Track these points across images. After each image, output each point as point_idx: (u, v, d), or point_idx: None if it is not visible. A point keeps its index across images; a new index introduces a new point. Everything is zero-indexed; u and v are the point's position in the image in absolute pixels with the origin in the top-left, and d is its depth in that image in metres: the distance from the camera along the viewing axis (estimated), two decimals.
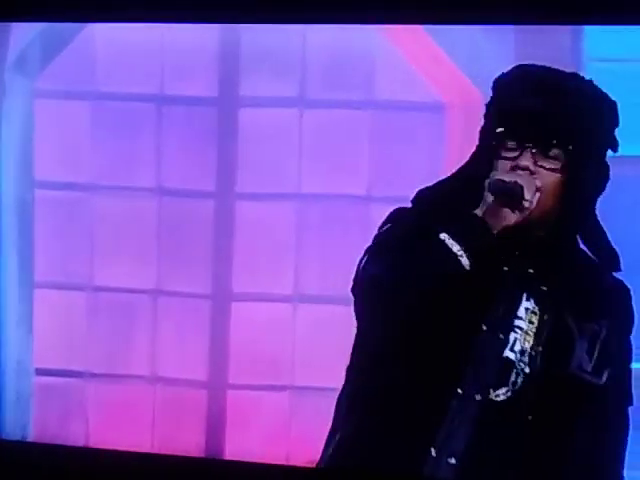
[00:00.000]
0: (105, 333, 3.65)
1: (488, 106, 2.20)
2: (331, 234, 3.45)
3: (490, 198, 2.03)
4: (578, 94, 2.07)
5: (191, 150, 3.56)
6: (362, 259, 2.34)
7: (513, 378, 2.03)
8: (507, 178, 2.04)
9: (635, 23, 2.96)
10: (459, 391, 2.06)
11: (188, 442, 3.62)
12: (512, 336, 2.03)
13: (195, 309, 3.60)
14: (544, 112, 2.03)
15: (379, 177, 3.40)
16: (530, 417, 2.03)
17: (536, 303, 2.06)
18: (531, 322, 2.05)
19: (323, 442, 3.56)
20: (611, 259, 2.13)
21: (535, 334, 2.03)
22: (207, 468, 3.62)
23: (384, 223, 2.33)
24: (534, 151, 2.04)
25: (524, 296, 2.07)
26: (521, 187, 2.03)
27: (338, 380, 3.54)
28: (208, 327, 3.60)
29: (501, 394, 2.03)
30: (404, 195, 3.39)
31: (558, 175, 2.05)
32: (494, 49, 3.17)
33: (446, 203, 2.17)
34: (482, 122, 2.24)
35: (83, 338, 3.67)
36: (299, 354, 3.52)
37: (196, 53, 3.51)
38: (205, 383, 3.61)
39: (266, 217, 3.52)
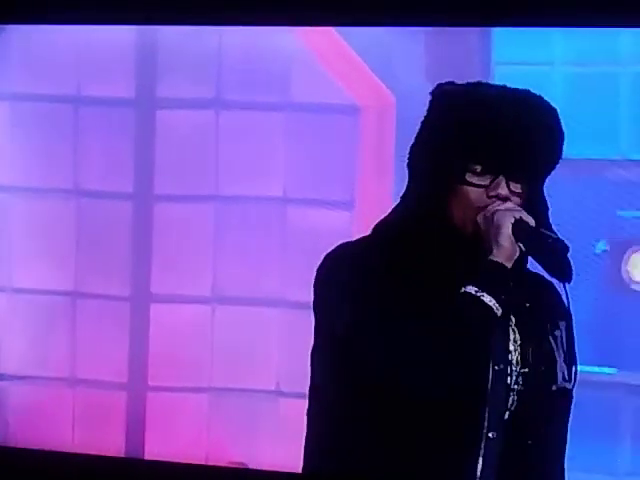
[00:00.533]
0: (24, 335, 3.65)
1: (442, 127, 2.02)
2: (249, 235, 3.48)
3: (508, 241, 1.95)
4: (549, 120, 2.02)
5: (109, 151, 3.56)
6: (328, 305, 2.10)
7: (510, 403, 2.02)
8: (525, 217, 1.97)
9: (541, 25, 3.01)
10: (489, 435, 2.00)
11: (108, 442, 3.63)
12: (508, 365, 2.02)
13: (114, 311, 3.60)
14: (521, 142, 1.97)
15: (296, 179, 3.42)
16: (530, 442, 2.02)
17: (519, 324, 2.05)
18: (515, 342, 2.04)
19: (242, 442, 3.61)
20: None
21: (521, 355, 2.02)
22: (127, 468, 3.63)
23: (341, 265, 2.08)
24: (506, 176, 1.99)
25: (512, 320, 2.05)
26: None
27: (257, 381, 3.58)
28: (127, 329, 3.61)
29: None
30: (320, 197, 3.44)
31: (519, 199, 2.00)
32: (405, 51, 3.21)
33: (417, 240, 2.03)
34: (428, 139, 2.06)
35: (2, 340, 3.66)
36: (218, 356, 3.54)
37: (113, 54, 3.51)
38: (125, 385, 3.62)
39: (184, 219, 3.53)
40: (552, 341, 2.05)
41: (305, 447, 2.13)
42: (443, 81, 2.04)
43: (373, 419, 1.99)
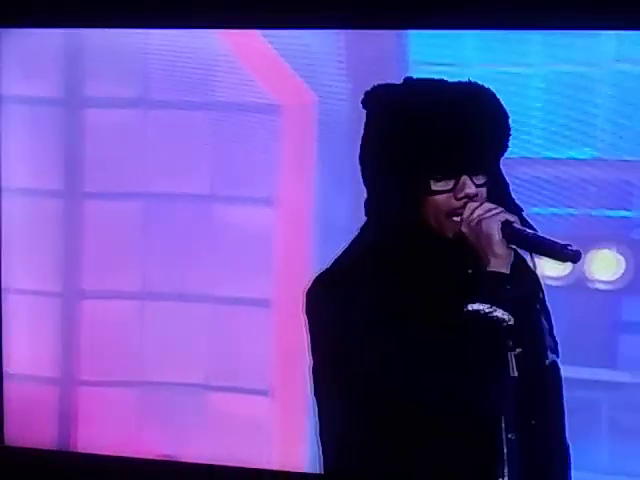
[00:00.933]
0: None
1: (392, 142, 1.97)
2: (177, 232, 3.54)
3: (502, 249, 1.93)
4: (489, 103, 2.01)
5: (39, 150, 3.61)
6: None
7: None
8: (509, 217, 1.94)
9: (455, 28, 3.09)
10: (509, 437, 2.02)
11: (40, 435, 3.68)
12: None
13: (45, 307, 3.66)
14: (473, 137, 1.96)
15: (221, 176, 3.49)
16: (533, 422, 2.04)
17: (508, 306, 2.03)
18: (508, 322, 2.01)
19: (170, 435, 3.66)
20: None
21: (515, 335, 2.01)
22: (59, 460, 3.68)
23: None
24: (468, 174, 1.97)
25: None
26: None
27: (186, 375, 3.64)
28: (59, 324, 3.66)
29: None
30: (246, 194, 3.51)
31: (484, 188, 1.98)
32: (326, 51, 3.28)
33: (405, 255, 2.01)
34: (381, 155, 2.01)
35: None
36: (147, 350, 3.60)
37: (42, 54, 3.56)
38: (56, 379, 3.68)
39: (113, 216, 3.58)
40: (537, 315, 2.07)
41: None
42: (371, 85, 1.99)
43: (392, 434, 1.97)
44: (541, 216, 3.09)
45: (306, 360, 3.61)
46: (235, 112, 3.40)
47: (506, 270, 1.92)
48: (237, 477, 3.56)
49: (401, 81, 2.02)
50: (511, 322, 1.90)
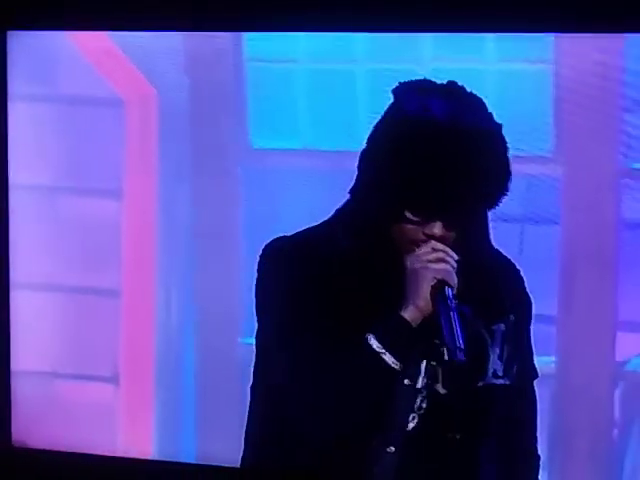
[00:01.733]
0: None
1: (388, 151, 1.92)
2: (21, 223, 3.62)
3: (422, 302, 1.91)
4: (494, 165, 1.92)
5: None
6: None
7: (417, 404, 2.01)
8: (450, 280, 1.91)
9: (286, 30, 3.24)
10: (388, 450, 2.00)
11: None
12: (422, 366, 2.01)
13: None
14: (461, 194, 1.89)
15: (65, 169, 3.58)
16: (458, 436, 2.02)
17: None
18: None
19: (21, 422, 3.72)
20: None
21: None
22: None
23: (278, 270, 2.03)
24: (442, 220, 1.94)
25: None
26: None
27: (34, 364, 3.68)
28: None
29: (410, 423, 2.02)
30: (89, 186, 3.59)
31: (455, 233, 1.95)
32: (165, 46, 3.41)
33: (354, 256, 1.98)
34: (372, 168, 1.96)
35: None
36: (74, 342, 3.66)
37: None
38: None
39: None
40: (487, 336, 2.01)
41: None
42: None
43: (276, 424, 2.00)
44: None
45: (153, 349, 3.72)
46: (80, 105, 3.49)
47: (414, 323, 1.90)
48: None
49: (422, 89, 1.94)
50: (398, 367, 1.89)
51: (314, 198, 3.16)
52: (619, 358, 3.17)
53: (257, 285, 2.02)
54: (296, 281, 1.95)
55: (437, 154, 1.85)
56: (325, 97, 3.25)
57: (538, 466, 2.18)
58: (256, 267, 2.02)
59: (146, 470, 3.59)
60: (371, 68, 3.22)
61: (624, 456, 3.19)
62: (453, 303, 1.88)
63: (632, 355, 3.18)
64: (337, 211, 2.04)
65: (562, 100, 3.13)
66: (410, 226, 1.92)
